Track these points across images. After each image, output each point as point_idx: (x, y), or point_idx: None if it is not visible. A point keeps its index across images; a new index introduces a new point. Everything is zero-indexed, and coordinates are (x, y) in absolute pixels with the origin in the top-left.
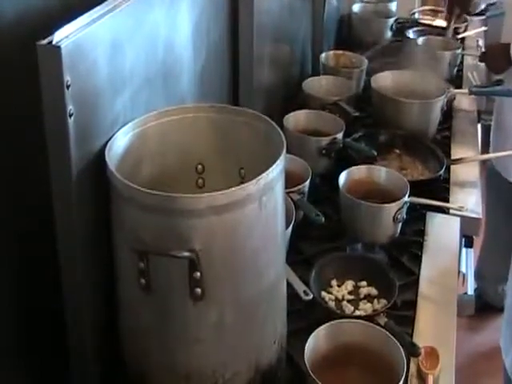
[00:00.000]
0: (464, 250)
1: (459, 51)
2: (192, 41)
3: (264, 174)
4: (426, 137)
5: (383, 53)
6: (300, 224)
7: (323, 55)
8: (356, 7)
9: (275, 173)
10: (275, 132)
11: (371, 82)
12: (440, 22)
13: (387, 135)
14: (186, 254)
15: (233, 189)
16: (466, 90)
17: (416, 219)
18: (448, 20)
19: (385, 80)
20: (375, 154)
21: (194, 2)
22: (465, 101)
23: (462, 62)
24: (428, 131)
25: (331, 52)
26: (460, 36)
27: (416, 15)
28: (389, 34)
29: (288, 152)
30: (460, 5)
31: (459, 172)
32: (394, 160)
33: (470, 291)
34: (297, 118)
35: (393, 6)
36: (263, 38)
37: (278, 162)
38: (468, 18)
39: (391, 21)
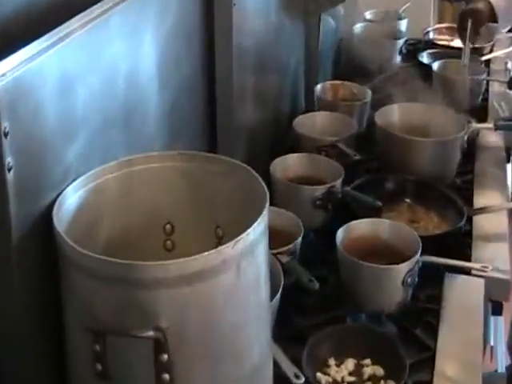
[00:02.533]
0: (491, 318)
1: (483, 76)
2: (158, 74)
3: (243, 235)
4: (443, 182)
5: (391, 82)
6: (290, 291)
7: (318, 87)
8: (358, 27)
9: (257, 232)
10: (257, 183)
11: (375, 117)
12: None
13: (395, 182)
14: (151, 333)
15: (206, 253)
16: (491, 125)
17: (431, 282)
18: (462, 38)
19: (392, 115)
20: (380, 204)
21: (160, 28)
22: (491, 137)
23: (487, 90)
24: (445, 175)
25: (328, 83)
26: (484, 58)
27: (430, 35)
28: (398, 58)
29: (276, 204)
30: (473, 22)
31: (484, 224)
32: (403, 211)
33: (501, 368)
34: (286, 164)
35: (402, 25)
36: (245, 67)
37: (260, 219)
38: (494, 35)
39: (400, 42)
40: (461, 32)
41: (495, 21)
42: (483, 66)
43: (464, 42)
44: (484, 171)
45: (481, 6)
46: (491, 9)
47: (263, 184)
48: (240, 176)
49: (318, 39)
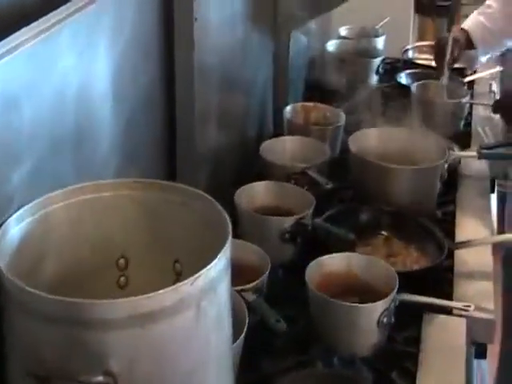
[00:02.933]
0: (475, 361)
1: (466, 99)
2: (113, 90)
3: (203, 271)
4: (423, 214)
5: (367, 104)
6: (256, 332)
7: (288, 109)
8: (331, 45)
9: (219, 268)
10: (219, 214)
11: (349, 142)
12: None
13: (371, 213)
14: (101, 378)
15: (162, 291)
16: (474, 153)
17: (409, 322)
18: (438, 63)
19: (368, 140)
20: (354, 237)
21: (115, 39)
22: (474, 165)
23: (470, 114)
24: (425, 206)
25: (299, 104)
26: (467, 79)
27: (410, 54)
28: (374, 78)
29: (241, 237)
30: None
31: (466, 259)
32: (379, 245)
33: None
34: (253, 192)
35: (379, 43)
36: (208, 86)
37: (222, 253)
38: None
39: (377, 61)
40: (437, 54)
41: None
42: (466, 88)
43: (440, 63)
44: (466, 202)
45: (458, 35)
46: (467, 38)
47: (226, 215)
48: (201, 206)
49: (287, 57)
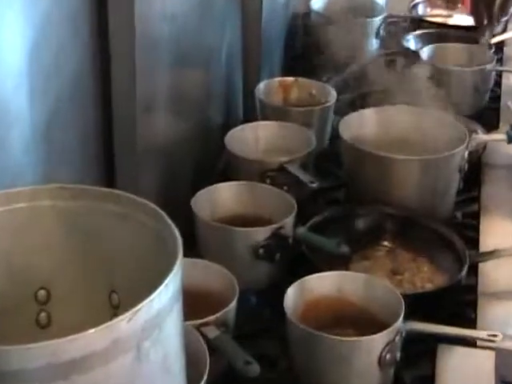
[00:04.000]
0: None
1: (492, 66)
2: (28, 76)
3: (144, 303)
4: (436, 217)
5: (364, 77)
6: (221, 378)
7: (261, 86)
8: (317, 2)
9: (165, 298)
10: (168, 228)
11: (340, 128)
12: (461, 19)
13: (370, 218)
14: None
15: (91, 331)
16: (502, 136)
17: (420, 358)
18: (477, 18)
19: (365, 124)
20: (348, 251)
21: (32, 11)
22: (503, 151)
23: (498, 85)
24: (439, 207)
25: (276, 80)
26: (494, 40)
27: (419, 9)
28: (374, 43)
29: (201, 254)
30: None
31: (492, 273)
32: (382, 259)
33: None
34: (215, 197)
35: None
36: (155, 65)
37: (169, 279)
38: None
39: (377, 21)
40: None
41: None
42: (492, 51)
43: (484, 12)
44: (493, 200)
45: None
46: None
47: (175, 229)
48: (145, 219)
49: (260, 19)
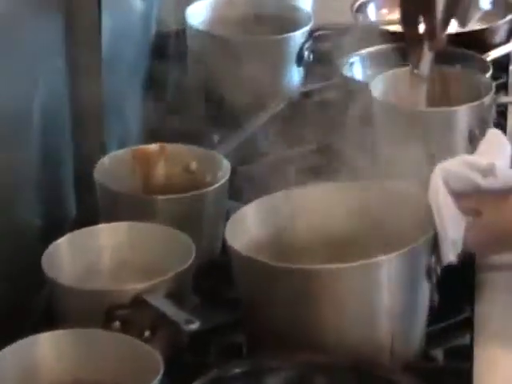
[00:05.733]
0: None
1: (491, 98)
2: None
3: None
4: (397, 361)
5: (279, 134)
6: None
7: (104, 162)
8: (195, 12)
9: None
10: None
11: (228, 226)
12: None
13: (289, 374)
14: None
15: None
16: None
17: None
18: (410, 39)
19: (275, 215)
20: None
21: None
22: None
23: (500, 126)
24: (400, 343)
25: (129, 150)
26: (493, 56)
27: (369, 12)
28: (294, 74)
29: None
30: None
31: None
32: None
33: None
34: (29, 356)
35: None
36: None
37: None
38: None
39: (298, 37)
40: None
41: None
42: (488, 75)
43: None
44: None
45: None
46: None
47: None
48: None
49: (98, 42)
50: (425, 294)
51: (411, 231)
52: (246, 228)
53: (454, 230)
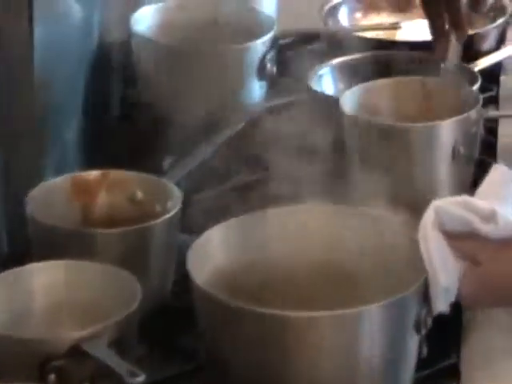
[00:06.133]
0: None
1: (478, 111)
2: None
3: None
4: None
5: (238, 157)
6: None
7: (38, 192)
8: (144, 17)
9: None
10: None
11: (188, 257)
12: (417, 30)
13: None
14: None
15: None
16: None
17: None
18: (436, 31)
19: (237, 247)
20: None
21: None
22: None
23: (489, 147)
24: None
25: (68, 178)
26: (480, 65)
27: (341, 17)
28: (255, 88)
29: None
30: None
31: None
32: None
33: None
34: None
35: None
36: None
37: None
38: None
39: (259, 46)
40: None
41: None
42: (477, 85)
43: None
44: None
45: None
46: None
47: None
48: None
49: (31, 60)
50: (412, 346)
51: (401, 264)
52: (211, 254)
53: (446, 276)
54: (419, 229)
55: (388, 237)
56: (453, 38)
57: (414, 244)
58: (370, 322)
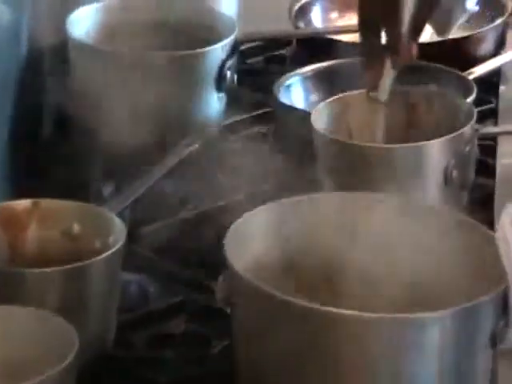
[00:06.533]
0: None
1: (471, 127)
2: None
3: None
4: None
5: (196, 185)
6: None
7: None
8: (81, 19)
9: None
10: None
11: None
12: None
13: None
14: None
15: None
16: None
17: None
18: (369, 53)
19: None
20: None
21: None
22: None
23: (486, 169)
24: None
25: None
26: (475, 74)
27: (314, 17)
28: (214, 102)
29: None
30: None
31: None
32: None
33: None
34: None
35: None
36: None
37: None
38: None
39: (218, 52)
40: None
41: None
42: (472, 98)
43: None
44: None
45: None
46: None
47: None
48: None
49: None
50: (485, 362)
51: (471, 267)
52: (250, 241)
53: None
54: (497, 229)
55: (455, 237)
56: (387, 64)
57: (489, 246)
58: (439, 330)
